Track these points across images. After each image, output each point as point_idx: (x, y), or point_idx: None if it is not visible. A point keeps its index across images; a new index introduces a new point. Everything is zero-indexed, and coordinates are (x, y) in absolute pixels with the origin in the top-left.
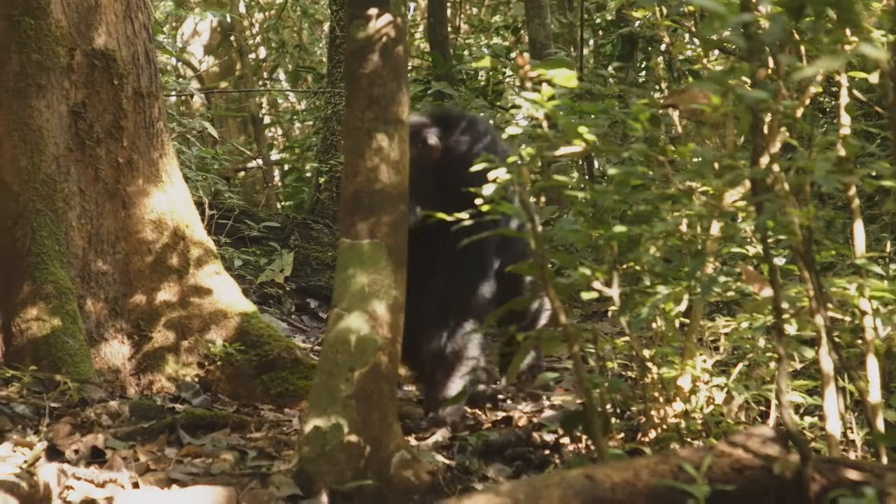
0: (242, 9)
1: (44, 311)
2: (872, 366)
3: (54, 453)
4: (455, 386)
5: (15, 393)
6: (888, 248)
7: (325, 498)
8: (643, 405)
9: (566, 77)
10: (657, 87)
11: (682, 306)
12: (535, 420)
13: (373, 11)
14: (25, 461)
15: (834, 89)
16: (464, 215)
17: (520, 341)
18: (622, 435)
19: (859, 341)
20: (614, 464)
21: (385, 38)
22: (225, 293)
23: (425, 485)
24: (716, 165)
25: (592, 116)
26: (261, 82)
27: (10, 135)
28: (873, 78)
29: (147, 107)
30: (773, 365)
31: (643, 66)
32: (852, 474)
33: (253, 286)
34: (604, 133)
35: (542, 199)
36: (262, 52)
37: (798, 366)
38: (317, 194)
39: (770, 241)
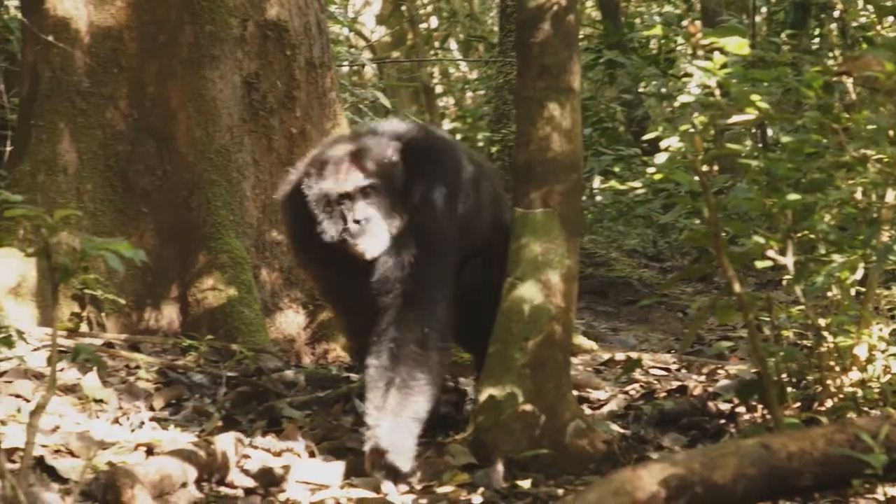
0: None
1: (219, 280)
2: None
3: (231, 422)
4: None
5: (192, 362)
6: None
7: (500, 466)
8: (819, 374)
9: (738, 45)
10: (830, 54)
11: (858, 275)
12: (710, 389)
13: None
14: (203, 430)
15: None
16: None
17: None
18: (798, 404)
19: None
20: (790, 433)
21: (556, 6)
22: None
23: (600, 454)
24: (890, 133)
25: (765, 84)
26: (432, 52)
27: (185, 106)
28: None
29: (319, 77)
30: None
31: (816, 33)
32: None
33: None
34: (777, 101)
35: (715, 167)
36: (434, 22)
37: None
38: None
39: None
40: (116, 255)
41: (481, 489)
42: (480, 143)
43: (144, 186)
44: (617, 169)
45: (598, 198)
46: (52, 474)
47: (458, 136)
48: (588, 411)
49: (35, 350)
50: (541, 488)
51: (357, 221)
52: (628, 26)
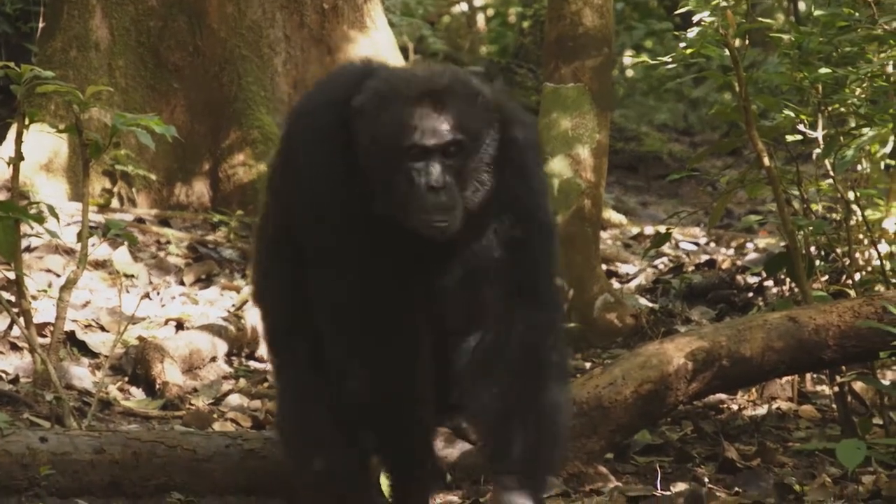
0: None
1: (250, 156)
2: None
3: None
4: None
5: (222, 237)
6: None
7: None
8: (847, 247)
9: None
10: None
11: (888, 148)
12: (738, 263)
13: None
14: (233, 304)
15: None
16: None
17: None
18: (826, 277)
19: None
20: (818, 306)
21: None
22: None
23: (628, 327)
24: None
25: None
26: None
27: None
28: None
29: None
30: None
31: None
32: None
33: None
34: None
35: (747, 41)
36: None
37: None
38: (521, 38)
39: None
40: (147, 131)
41: None
42: (512, 18)
43: (176, 62)
44: (648, 43)
45: (629, 72)
46: (83, 349)
47: (491, 11)
48: (616, 285)
49: (66, 226)
50: (569, 362)
51: (434, 188)
52: None
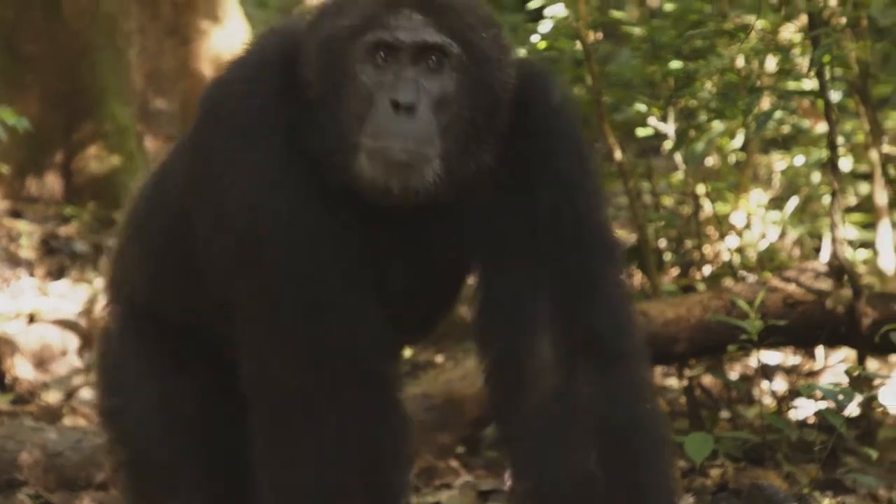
0: None
1: (103, 149)
2: None
3: None
4: None
5: (74, 231)
6: None
7: None
8: (697, 241)
9: None
10: None
11: (738, 142)
12: None
13: None
14: (85, 298)
15: None
16: None
17: None
18: (676, 271)
19: None
20: (668, 299)
21: None
22: None
23: None
24: (772, 0)
25: None
26: None
27: None
28: None
29: None
30: (827, 200)
31: None
32: None
33: None
34: None
35: (600, 35)
36: None
37: (852, 200)
38: None
39: (826, 75)
40: (0, 122)
41: None
42: None
43: (29, 53)
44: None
45: None
46: None
47: None
48: None
49: None
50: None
51: (399, 106)
52: None
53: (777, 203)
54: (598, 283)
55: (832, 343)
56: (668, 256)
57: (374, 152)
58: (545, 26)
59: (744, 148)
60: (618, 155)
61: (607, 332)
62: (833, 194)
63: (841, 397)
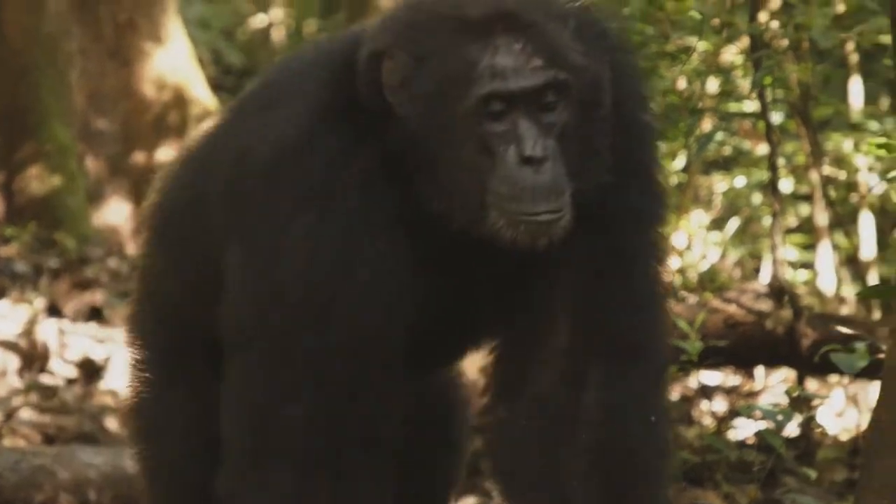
0: None
1: (44, 169)
2: (866, 222)
3: (53, 311)
4: None
5: (15, 252)
6: (884, 105)
7: None
8: None
9: None
10: None
11: (679, 163)
12: None
13: None
14: (25, 319)
15: None
16: None
17: None
18: None
19: (854, 197)
20: None
21: None
22: None
23: None
24: (714, 22)
25: None
26: None
27: None
28: None
29: None
30: (767, 221)
31: None
32: (844, 329)
33: None
34: None
35: None
36: None
37: (793, 222)
38: None
39: (767, 97)
40: None
41: None
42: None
43: None
44: None
45: None
46: None
47: (289, 25)
48: None
49: None
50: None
51: (530, 160)
52: None
53: (718, 224)
54: (635, 284)
55: (772, 364)
56: None
57: (512, 214)
58: None
59: (685, 169)
60: None
61: (630, 333)
62: (774, 215)
63: (780, 418)
